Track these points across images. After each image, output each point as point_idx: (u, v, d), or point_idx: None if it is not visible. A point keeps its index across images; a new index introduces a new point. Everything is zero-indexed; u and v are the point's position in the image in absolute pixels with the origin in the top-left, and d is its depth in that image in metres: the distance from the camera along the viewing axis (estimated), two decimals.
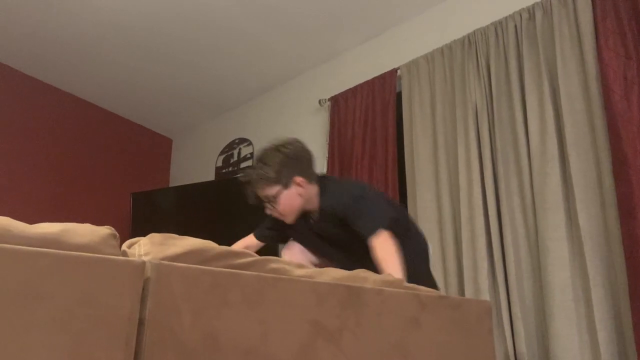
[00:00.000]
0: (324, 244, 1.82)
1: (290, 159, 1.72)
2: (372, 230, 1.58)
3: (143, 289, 0.72)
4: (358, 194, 1.70)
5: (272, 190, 1.71)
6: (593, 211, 2.00)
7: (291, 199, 1.73)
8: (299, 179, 1.72)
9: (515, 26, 2.45)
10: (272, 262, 0.99)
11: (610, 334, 1.86)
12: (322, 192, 1.76)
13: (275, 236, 1.95)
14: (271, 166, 1.71)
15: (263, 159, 1.74)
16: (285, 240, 1.95)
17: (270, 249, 3.23)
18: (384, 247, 1.54)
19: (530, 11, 2.41)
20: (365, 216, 1.64)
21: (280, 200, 1.72)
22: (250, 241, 1.96)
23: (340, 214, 1.68)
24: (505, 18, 2.49)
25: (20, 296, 0.60)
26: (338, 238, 1.76)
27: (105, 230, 0.76)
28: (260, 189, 1.73)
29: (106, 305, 0.67)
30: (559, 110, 2.20)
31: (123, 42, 3.38)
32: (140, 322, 0.71)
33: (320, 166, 3.27)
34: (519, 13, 2.44)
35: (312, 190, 1.76)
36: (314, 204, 1.77)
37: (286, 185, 1.71)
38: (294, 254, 1.88)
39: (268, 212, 1.78)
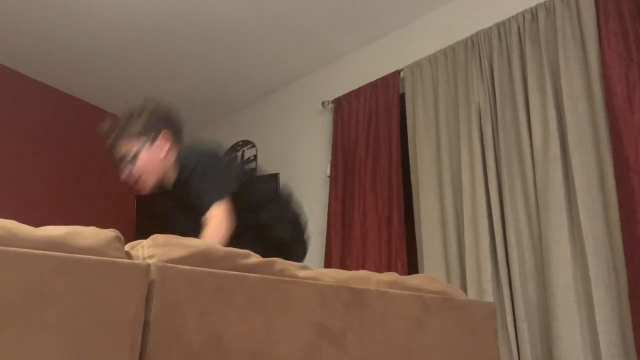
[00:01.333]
0: (187, 216, 1.65)
1: (160, 113, 1.62)
2: (210, 202, 1.46)
3: (148, 292, 0.73)
4: (204, 163, 1.56)
5: (136, 144, 1.56)
6: (595, 212, 2.00)
7: (153, 155, 1.57)
8: (166, 134, 1.60)
9: (518, 27, 2.45)
10: (277, 264, 0.99)
11: (612, 335, 1.85)
12: (177, 161, 1.62)
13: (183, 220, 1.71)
14: (139, 118, 1.58)
15: (131, 111, 1.62)
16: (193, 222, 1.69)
17: None
18: (216, 220, 1.44)
19: (533, 12, 2.41)
20: (204, 189, 1.51)
21: (141, 156, 1.55)
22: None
23: (187, 187, 1.56)
24: (508, 19, 2.49)
25: (26, 299, 0.60)
26: (195, 210, 1.58)
27: (110, 232, 0.76)
28: (124, 143, 1.58)
29: (111, 307, 0.68)
30: (561, 111, 2.19)
31: (125, 44, 3.38)
32: (145, 325, 0.71)
33: (324, 168, 3.28)
34: (522, 14, 2.44)
35: (174, 156, 1.61)
36: (171, 173, 1.61)
37: (153, 139, 1.57)
38: None
39: (123, 177, 1.61)
